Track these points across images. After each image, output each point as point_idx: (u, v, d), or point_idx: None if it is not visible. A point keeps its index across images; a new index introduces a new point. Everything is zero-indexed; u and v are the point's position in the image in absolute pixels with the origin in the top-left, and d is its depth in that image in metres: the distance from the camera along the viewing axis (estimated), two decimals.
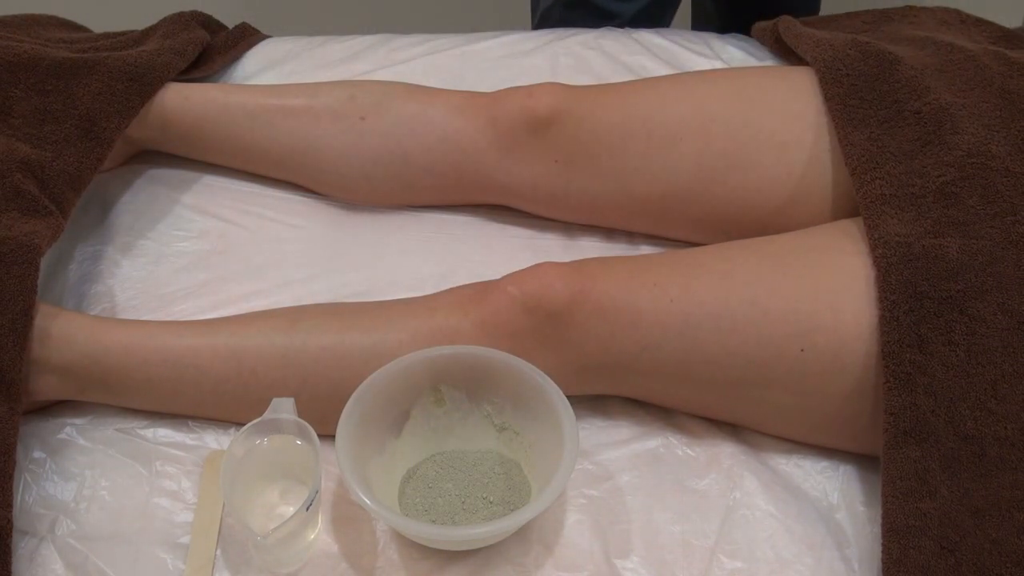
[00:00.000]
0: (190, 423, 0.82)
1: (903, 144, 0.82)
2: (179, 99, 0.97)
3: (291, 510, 0.73)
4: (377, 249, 0.96)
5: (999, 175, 0.79)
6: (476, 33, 1.15)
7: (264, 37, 1.15)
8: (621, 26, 1.18)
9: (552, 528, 0.77)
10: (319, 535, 0.76)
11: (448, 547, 0.74)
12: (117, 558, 0.74)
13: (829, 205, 0.87)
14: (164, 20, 1.08)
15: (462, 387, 0.79)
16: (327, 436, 0.76)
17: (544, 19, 1.31)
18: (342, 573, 0.74)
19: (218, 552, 0.75)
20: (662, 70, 1.09)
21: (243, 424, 0.82)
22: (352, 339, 0.79)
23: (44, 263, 0.82)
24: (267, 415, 0.75)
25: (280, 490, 0.77)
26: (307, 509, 0.71)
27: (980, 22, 1.05)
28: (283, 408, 0.75)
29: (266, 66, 1.10)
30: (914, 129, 0.82)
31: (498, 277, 0.82)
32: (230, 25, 1.15)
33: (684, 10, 1.46)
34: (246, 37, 1.12)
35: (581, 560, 0.75)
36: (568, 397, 0.75)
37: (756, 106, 0.88)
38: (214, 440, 0.82)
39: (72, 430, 0.82)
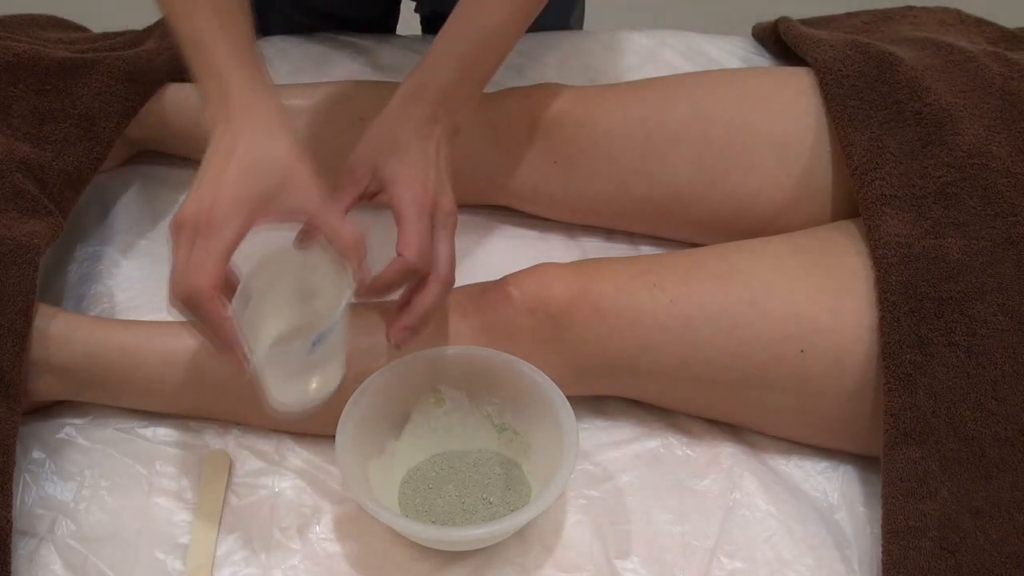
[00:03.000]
0: (190, 423, 0.82)
1: (903, 145, 0.82)
2: (178, 99, 0.97)
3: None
4: (377, 249, 0.96)
5: (1000, 176, 0.79)
6: None
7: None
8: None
9: (552, 529, 0.77)
10: (331, 389, 0.72)
11: (448, 548, 0.74)
12: (117, 558, 0.74)
13: (829, 206, 0.87)
14: (162, 20, 1.07)
15: (462, 387, 0.79)
16: (327, 436, 0.76)
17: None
18: (342, 573, 0.74)
19: (218, 552, 0.75)
20: (661, 71, 1.09)
21: (243, 424, 0.82)
22: (352, 339, 0.79)
23: (44, 263, 0.82)
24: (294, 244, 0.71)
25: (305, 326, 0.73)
26: (312, 344, 0.67)
27: (980, 22, 1.05)
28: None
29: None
30: (915, 130, 0.82)
31: (498, 277, 0.82)
32: None
33: (672, 10, 1.46)
34: None
35: (581, 560, 0.75)
36: (568, 397, 0.75)
37: (756, 107, 0.88)
38: (214, 440, 0.82)
39: (72, 430, 0.82)
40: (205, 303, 0.65)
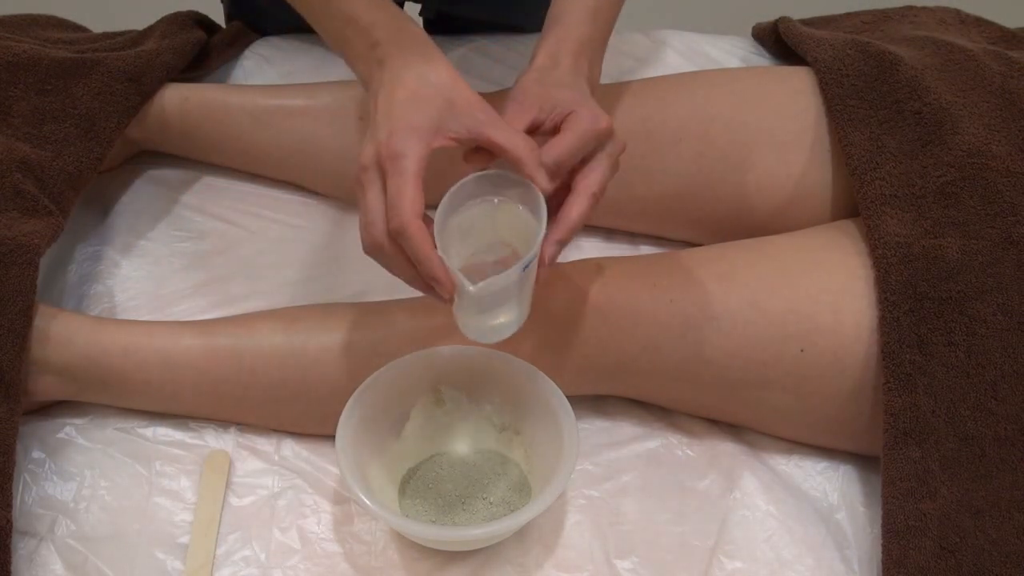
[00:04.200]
0: (190, 423, 0.82)
1: (903, 144, 0.82)
2: (179, 99, 0.97)
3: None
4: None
5: (999, 175, 0.79)
6: (477, 34, 1.15)
7: (258, 36, 1.14)
8: None
9: (552, 528, 0.77)
10: (522, 322, 0.71)
11: (448, 548, 0.74)
12: (116, 558, 0.74)
13: (829, 205, 0.87)
14: (162, 20, 1.08)
15: (462, 387, 0.79)
16: (327, 436, 0.76)
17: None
18: (342, 573, 0.74)
19: (218, 552, 0.75)
20: (661, 71, 1.09)
21: (243, 424, 0.82)
22: (352, 339, 0.79)
23: (44, 263, 0.82)
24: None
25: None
26: (524, 269, 0.66)
27: (980, 22, 1.05)
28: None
29: (264, 65, 1.10)
30: (914, 129, 0.82)
31: None
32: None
33: (672, 10, 1.45)
34: (241, 36, 1.12)
35: (581, 560, 0.75)
36: (568, 397, 0.75)
37: (756, 106, 0.88)
38: (214, 439, 0.82)
39: (72, 430, 0.82)
40: (415, 233, 0.64)
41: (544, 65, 0.74)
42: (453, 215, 0.69)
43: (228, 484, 0.79)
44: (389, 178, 0.65)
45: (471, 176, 0.69)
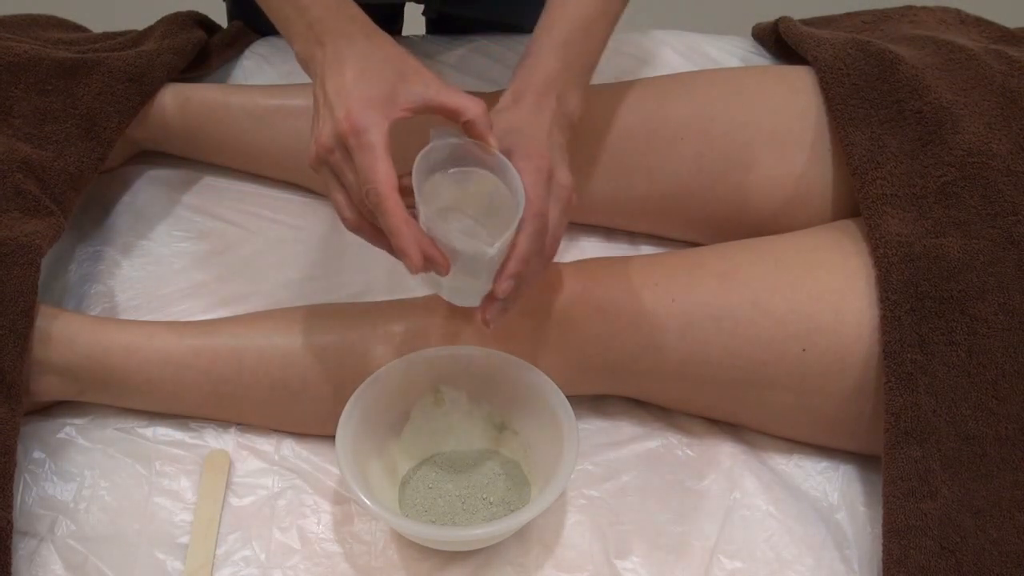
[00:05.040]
0: (190, 423, 0.82)
1: (904, 144, 0.82)
2: (179, 99, 0.97)
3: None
4: (376, 250, 0.96)
5: (1000, 174, 0.79)
6: (477, 34, 1.15)
7: (258, 36, 1.14)
8: None
9: (552, 528, 0.77)
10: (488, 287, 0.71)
11: (448, 548, 0.74)
12: (116, 558, 0.74)
13: (829, 205, 0.87)
14: (162, 20, 1.08)
15: (462, 387, 0.79)
16: (327, 436, 0.76)
17: None
18: (342, 573, 0.74)
19: (218, 552, 0.75)
20: (661, 71, 1.09)
21: (243, 424, 0.82)
22: (352, 339, 0.79)
23: (44, 263, 0.82)
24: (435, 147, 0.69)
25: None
26: (520, 212, 0.67)
27: (980, 22, 1.05)
28: (446, 135, 0.70)
29: (264, 65, 1.10)
30: (915, 129, 0.82)
31: None
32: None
33: (672, 8, 1.45)
34: (241, 36, 1.12)
35: (581, 560, 0.75)
36: (568, 397, 0.75)
37: (756, 106, 0.88)
38: (214, 439, 0.82)
39: (72, 430, 0.82)
40: (390, 208, 0.64)
41: (504, 105, 0.74)
42: (425, 183, 0.69)
43: (228, 484, 0.79)
44: (356, 153, 0.65)
45: (430, 146, 0.69)
